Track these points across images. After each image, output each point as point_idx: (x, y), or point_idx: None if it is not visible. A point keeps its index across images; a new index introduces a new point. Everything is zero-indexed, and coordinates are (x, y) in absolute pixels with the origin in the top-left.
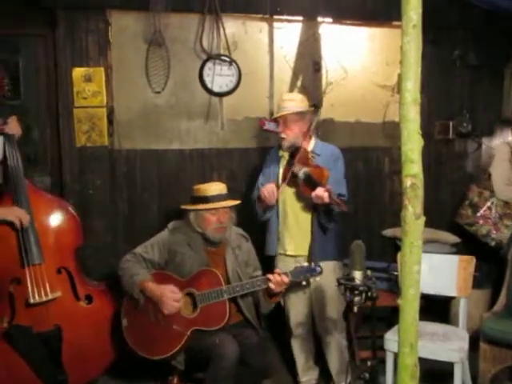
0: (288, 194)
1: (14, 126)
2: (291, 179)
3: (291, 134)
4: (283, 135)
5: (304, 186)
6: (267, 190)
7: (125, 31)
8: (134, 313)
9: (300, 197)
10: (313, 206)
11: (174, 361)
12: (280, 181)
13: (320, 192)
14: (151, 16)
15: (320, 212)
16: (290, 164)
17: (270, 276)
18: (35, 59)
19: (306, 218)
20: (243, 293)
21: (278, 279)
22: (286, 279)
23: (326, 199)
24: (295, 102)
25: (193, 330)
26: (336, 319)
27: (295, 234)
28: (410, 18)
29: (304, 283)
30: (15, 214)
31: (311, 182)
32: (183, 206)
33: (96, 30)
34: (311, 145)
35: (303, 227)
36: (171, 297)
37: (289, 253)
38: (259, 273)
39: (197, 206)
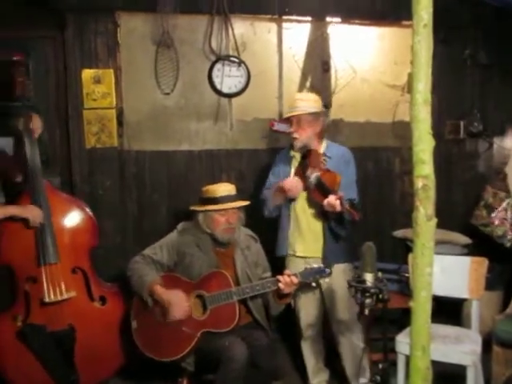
0: (300, 196)
1: (35, 124)
2: (304, 182)
3: (304, 135)
4: (295, 135)
5: (315, 191)
6: (291, 182)
7: (133, 33)
8: (143, 315)
9: (311, 199)
10: (324, 210)
11: (183, 363)
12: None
13: (332, 200)
14: (159, 17)
15: (331, 219)
16: (301, 166)
17: (279, 277)
18: (45, 61)
19: (317, 220)
20: (253, 294)
21: (287, 280)
22: (295, 280)
23: (338, 207)
24: (309, 102)
25: (203, 331)
26: (348, 321)
27: (306, 235)
28: (421, 17)
29: (313, 284)
30: (30, 211)
31: (322, 188)
32: (192, 207)
33: (105, 31)
34: (323, 146)
35: (314, 229)
36: (179, 304)
37: (299, 254)
38: (268, 274)
39: (206, 207)
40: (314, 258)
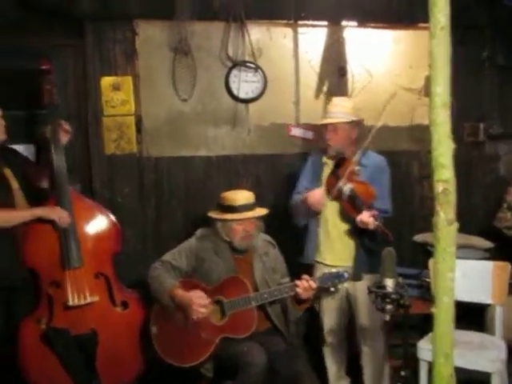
0: (331, 203)
1: (63, 132)
2: (336, 193)
3: (339, 142)
4: (330, 142)
5: (347, 204)
6: (315, 196)
7: (151, 40)
8: (163, 320)
9: (343, 210)
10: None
11: (202, 368)
12: (323, 189)
13: (365, 218)
14: (177, 25)
15: (364, 234)
16: (334, 175)
17: (297, 282)
18: (65, 69)
19: (348, 230)
20: (271, 300)
21: (305, 285)
22: (313, 285)
23: (371, 226)
24: (346, 109)
25: (221, 337)
26: (372, 329)
27: (336, 243)
28: (438, 20)
29: (332, 289)
30: (57, 213)
31: (355, 201)
32: (210, 214)
33: (123, 39)
34: (358, 154)
35: (345, 238)
36: (199, 303)
37: (328, 262)
38: (287, 279)
39: (224, 216)
40: (344, 267)
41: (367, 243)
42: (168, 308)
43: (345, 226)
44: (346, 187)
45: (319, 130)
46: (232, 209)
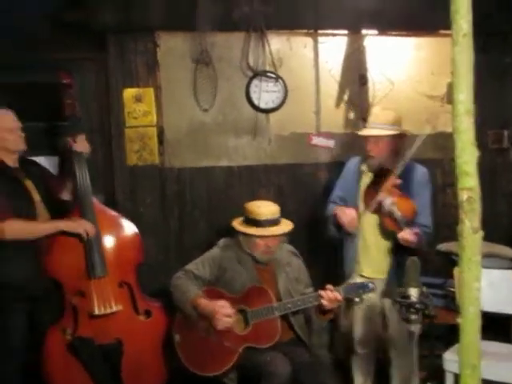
0: (370, 214)
1: (83, 145)
2: (375, 207)
3: (381, 154)
4: (372, 154)
5: (388, 219)
6: (346, 217)
7: (172, 51)
8: (186, 329)
9: (382, 224)
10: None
11: (225, 378)
12: (360, 200)
13: (406, 235)
14: (198, 36)
15: (403, 249)
16: (374, 186)
17: (321, 292)
18: (88, 81)
19: (386, 241)
20: (295, 310)
21: (330, 295)
22: (338, 296)
23: (414, 244)
24: (388, 119)
25: (244, 347)
26: (404, 340)
27: (374, 256)
28: (460, 26)
29: (357, 299)
30: (82, 226)
31: (396, 216)
32: (234, 225)
33: (144, 51)
34: (399, 166)
35: (383, 249)
36: (223, 312)
37: (365, 274)
38: (310, 290)
39: (247, 230)
40: (381, 279)
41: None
42: (191, 317)
43: (383, 238)
44: (387, 201)
45: (341, 138)
46: (256, 223)
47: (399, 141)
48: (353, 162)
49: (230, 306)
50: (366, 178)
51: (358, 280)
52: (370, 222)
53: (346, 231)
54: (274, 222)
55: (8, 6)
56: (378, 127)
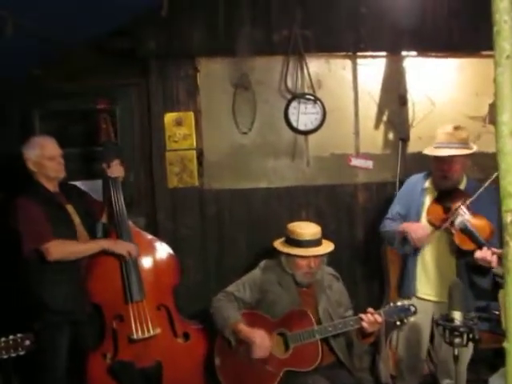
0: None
1: (117, 169)
2: (446, 225)
3: (457, 174)
4: (448, 174)
5: (465, 237)
6: (417, 233)
7: (212, 76)
8: (227, 352)
9: (443, 239)
10: (457, 250)
11: None
12: (423, 218)
13: (488, 255)
14: (237, 61)
15: (475, 270)
16: (442, 204)
17: (362, 315)
18: (130, 106)
19: (449, 260)
20: (335, 333)
21: (370, 319)
22: (379, 318)
23: (494, 264)
24: (465, 139)
25: (285, 370)
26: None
27: (434, 278)
28: (503, 48)
29: (398, 323)
30: (123, 246)
31: (471, 235)
32: (276, 246)
33: (185, 76)
34: (463, 183)
35: (445, 272)
36: (261, 344)
37: (425, 297)
38: (350, 312)
39: (289, 250)
40: (443, 302)
41: (476, 278)
42: (231, 341)
43: (445, 259)
44: (459, 220)
45: (379, 158)
46: (298, 243)
47: (469, 160)
48: (416, 179)
49: (268, 338)
50: (431, 196)
51: (421, 304)
52: (431, 241)
53: (414, 246)
54: (315, 243)
55: (54, 35)
56: (454, 147)
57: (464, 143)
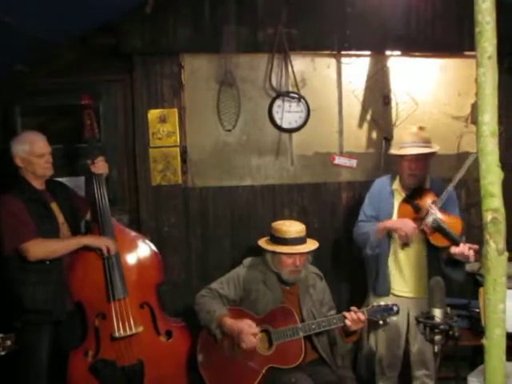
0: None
1: (101, 166)
2: (420, 224)
3: (422, 173)
4: (413, 172)
5: (438, 235)
6: (407, 227)
7: (197, 73)
8: (210, 348)
9: (430, 241)
10: (428, 246)
11: None
12: (394, 217)
13: (465, 250)
14: (222, 58)
15: (447, 263)
16: (411, 204)
17: (346, 314)
18: (114, 103)
19: (420, 257)
20: (319, 331)
21: (354, 317)
22: (362, 317)
23: (472, 258)
24: (429, 139)
25: (268, 367)
26: (429, 360)
27: (408, 275)
28: (485, 49)
29: (381, 322)
30: (104, 241)
31: (444, 232)
32: (261, 244)
33: (170, 73)
34: (428, 182)
35: (417, 269)
36: (249, 331)
37: (400, 294)
38: (333, 312)
39: (275, 248)
40: (418, 298)
41: (449, 272)
42: (215, 336)
43: (417, 255)
44: (431, 218)
45: (362, 157)
46: (283, 241)
47: (431, 159)
48: (382, 182)
49: (255, 326)
50: (399, 197)
51: (389, 301)
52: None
53: (402, 241)
54: (300, 241)
55: (41, 32)
56: (420, 146)
57: (427, 142)
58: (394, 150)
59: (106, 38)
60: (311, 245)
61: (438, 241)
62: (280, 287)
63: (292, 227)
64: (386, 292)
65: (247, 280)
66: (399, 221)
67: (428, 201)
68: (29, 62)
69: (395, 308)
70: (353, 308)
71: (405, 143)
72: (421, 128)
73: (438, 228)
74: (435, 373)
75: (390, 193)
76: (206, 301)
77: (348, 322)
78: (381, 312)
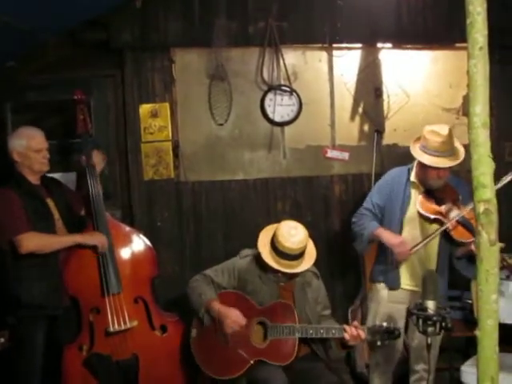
0: (411, 227)
1: (97, 160)
2: (435, 218)
3: (446, 177)
4: (437, 178)
5: (457, 229)
6: (401, 248)
7: (188, 67)
8: (204, 327)
9: (425, 227)
10: (438, 242)
11: None
12: (407, 210)
13: None
14: (213, 52)
15: (456, 257)
16: (434, 198)
17: (346, 327)
18: (105, 98)
19: (430, 250)
20: (315, 337)
21: (353, 332)
22: (362, 335)
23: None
24: (455, 146)
25: (258, 359)
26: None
27: (417, 268)
28: (476, 40)
29: (378, 343)
30: (97, 238)
31: (470, 228)
32: (260, 248)
33: (161, 67)
34: (451, 181)
35: (426, 262)
36: (235, 320)
37: (407, 287)
38: (328, 312)
39: (268, 260)
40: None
41: (462, 267)
42: (203, 320)
43: (428, 252)
44: (455, 212)
45: (355, 150)
46: (279, 253)
47: None
48: (399, 171)
49: (242, 317)
50: (417, 190)
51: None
52: (412, 233)
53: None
54: (296, 257)
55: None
56: (449, 155)
57: (455, 149)
58: (425, 159)
59: (97, 33)
60: (305, 264)
61: (463, 235)
62: (275, 283)
63: (293, 243)
64: (398, 286)
65: (243, 271)
66: (394, 239)
67: (449, 195)
68: (19, 58)
69: (396, 332)
70: (354, 323)
71: (434, 151)
72: (449, 135)
73: (462, 223)
74: (433, 365)
75: (407, 184)
76: (199, 285)
77: (347, 336)
78: (381, 333)
